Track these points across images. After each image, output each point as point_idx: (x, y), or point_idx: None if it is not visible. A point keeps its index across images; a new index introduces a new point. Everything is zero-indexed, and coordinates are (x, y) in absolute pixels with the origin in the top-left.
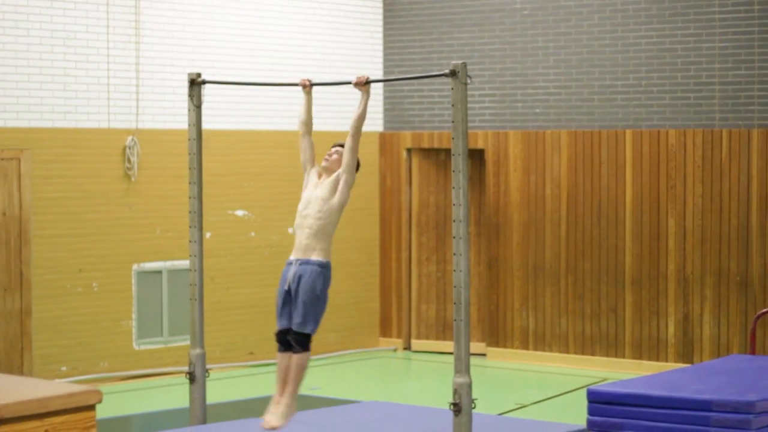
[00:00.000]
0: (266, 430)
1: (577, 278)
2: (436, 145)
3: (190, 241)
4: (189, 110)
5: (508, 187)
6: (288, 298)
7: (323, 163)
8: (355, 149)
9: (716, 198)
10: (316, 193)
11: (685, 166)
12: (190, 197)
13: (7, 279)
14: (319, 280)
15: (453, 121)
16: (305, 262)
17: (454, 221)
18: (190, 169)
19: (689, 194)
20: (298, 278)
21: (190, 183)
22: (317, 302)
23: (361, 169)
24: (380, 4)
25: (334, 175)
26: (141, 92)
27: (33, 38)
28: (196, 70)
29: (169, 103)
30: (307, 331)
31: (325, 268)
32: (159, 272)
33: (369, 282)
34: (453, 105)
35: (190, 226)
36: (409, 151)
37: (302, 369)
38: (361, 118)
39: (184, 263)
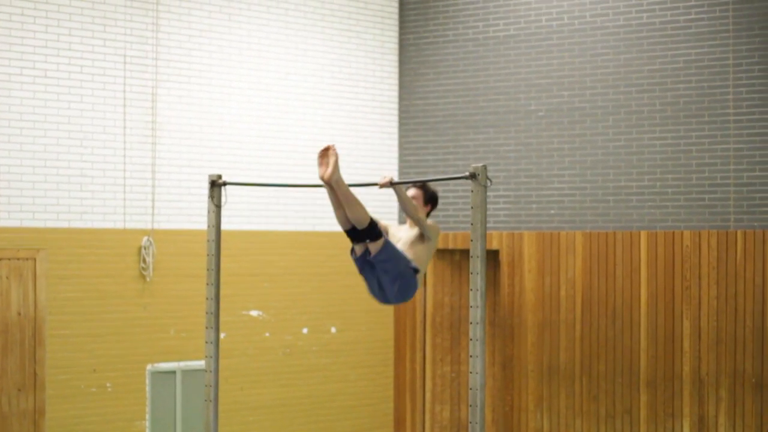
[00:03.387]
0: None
1: (591, 379)
2: (450, 246)
3: (206, 342)
4: (209, 211)
5: (523, 288)
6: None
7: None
8: (423, 221)
9: (731, 299)
10: (407, 235)
11: (699, 267)
12: (207, 298)
13: (21, 379)
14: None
15: (472, 224)
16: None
17: (471, 323)
18: (208, 270)
19: (704, 295)
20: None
21: (207, 284)
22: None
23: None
24: (396, 106)
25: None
26: (157, 192)
27: (50, 138)
28: (212, 171)
29: (185, 203)
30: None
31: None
32: (173, 372)
33: (383, 383)
34: (472, 207)
35: (206, 327)
36: None
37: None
38: (406, 209)
39: (199, 363)
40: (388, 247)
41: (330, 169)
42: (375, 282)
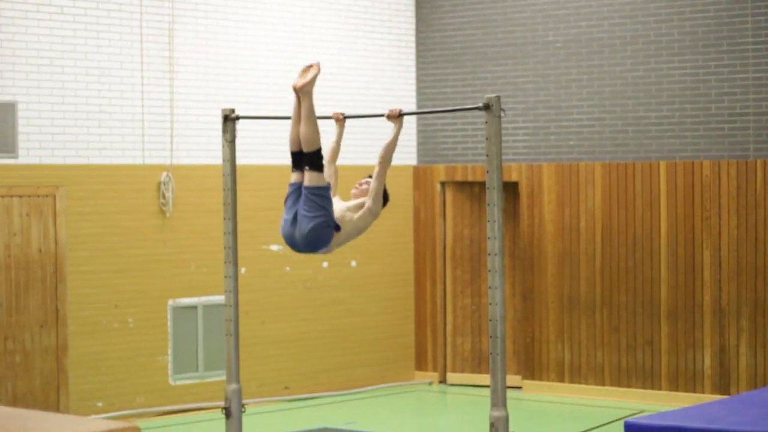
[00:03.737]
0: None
1: (612, 310)
2: (470, 178)
3: (225, 277)
4: (223, 146)
5: (543, 219)
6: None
7: (353, 191)
8: (382, 177)
9: (751, 229)
10: (339, 206)
11: (719, 197)
12: (225, 233)
13: (43, 315)
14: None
15: (487, 155)
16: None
17: (489, 254)
18: (224, 204)
19: (724, 225)
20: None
21: (224, 218)
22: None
23: (394, 202)
24: (413, 39)
25: (360, 200)
26: (175, 128)
27: (68, 75)
28: (230, 106)
29: (204, 138)
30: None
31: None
32: (194, 308)
33: (404, 316)
34: (487, 138)
35: (225, 262)
36: (443, 184)
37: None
38: (391, 146)
39: (219, 298)
40: (326, 189)
41: (305, 80)
42: (293, 214)
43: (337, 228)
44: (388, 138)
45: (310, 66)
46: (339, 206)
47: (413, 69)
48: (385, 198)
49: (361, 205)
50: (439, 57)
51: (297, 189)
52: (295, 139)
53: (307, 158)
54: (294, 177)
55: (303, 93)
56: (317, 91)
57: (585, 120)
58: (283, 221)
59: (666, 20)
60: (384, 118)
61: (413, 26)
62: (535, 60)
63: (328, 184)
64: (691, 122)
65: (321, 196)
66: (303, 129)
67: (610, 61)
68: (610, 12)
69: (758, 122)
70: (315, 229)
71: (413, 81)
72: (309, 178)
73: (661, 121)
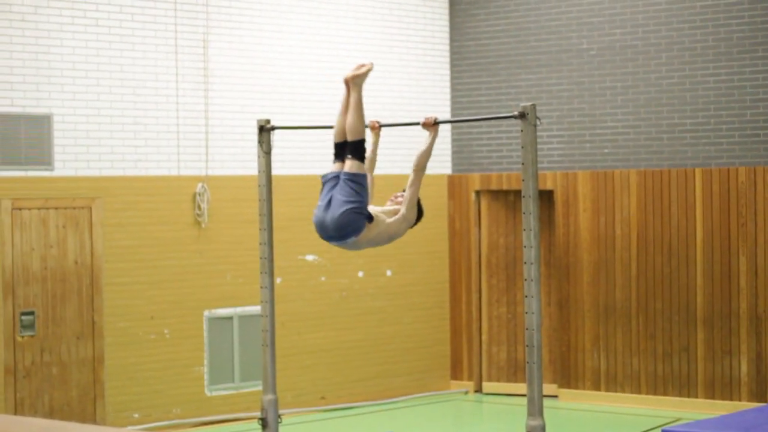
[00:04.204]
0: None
1: (648, 318)
2: (504, 187)
3: (261, 287)
4: (258, 156)
5: (578, 227)
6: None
7: (387, 204)
8: (416, 185)
9: None
10: (374, 209)
11: (755, 204)
12: (260, 243)
13: (79, 327)
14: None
15: (523, 163)
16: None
17: (525, 263)
18: (260, 215)
19: (760, 232)
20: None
21: (260, 229)
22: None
23: (429, 212)
24: (447, 47)
25: (395, 207)
26: (210, 139)
27: (103, 87)
28: (264, 116)
29: (239, 149)
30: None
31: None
32: (230, 318)
33: (439, 325)
34: (522, 147)
35: (261, 272)
36: (477, 193)
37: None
38: (425, 154)
39: (255, 309)
40: (364, 177)
41: (358, 72)
42: (327, 200)
43: (370, 218)
44: (422, 146)
45: (363, 65)
46: (373, 209)
47: (447, 78)
48: (420, 213)
49: (395, 212)
50: (474, 65)
51: (334, 177)
52: (341, 130)
53: (350, 146)
54: (334, 167)
55: (354, 84)
56: None
57: (620, 127)
58: (316, 208)
59: (701, 27)
60: (419, 127)
61: (447, 35)
62: (569, 68)
63: (366, 174)
64: (726, 129)
65: (358, 184)
66: (350, 118)
67: (645, 68)
68: (644, 19)
69: None
70: (347, 213)
71: (448, 89)
72: (349, 165)
73: (696, 128)
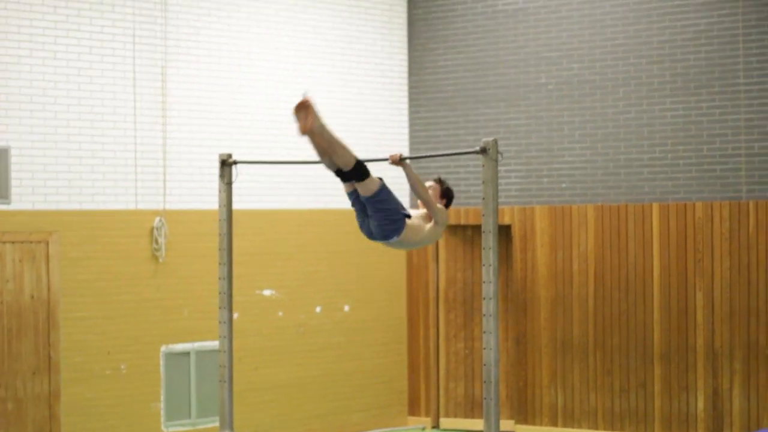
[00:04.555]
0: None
1: (605, 353)
2: (462, 222)
3: (219, 322)
4: (220, 191)
5: (536, 262)
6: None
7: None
8: (426, 196)
9: (744, 270)
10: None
11: (712, 239)
12: (219, 278)
13: (35, 362)
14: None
15: (483, 198)
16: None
17: (484, 299)
18: (220, 249)
19: (717, 267)
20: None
21: (219, 264)
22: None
23: (384, 249)
24: (406, 81)
25: (424, 211)
26: (168, 173)
27: (60, 120)
28: (223, 150)
29: (197, 183)
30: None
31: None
32: (187, 354)
33: (397, 360)
34: (483, 182)
35: (219, 307)
36: None
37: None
38: (414, 184)
39: (213, 344)
40: (382, 188)
41: (309, 120)
42: (362, 217)
43: (407, 216)
44: (411, 182)
45: (301, 104)
46: (412, 214)
47: (406, 112)
48: (449, 198)
49: (427, 217)
50: (432, 100)
51: (352, 194)
52: (330, 165)
53: (350, 175)
54: (346, 187)
55: (313, 130)
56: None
57: (577, 162)
58: (358, 220)
59: (658, 62)
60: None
61: (406, 69)
62: (527, 102)
63: (381, 179)
64: (683, 164)
65: (380, 200)
66: (337, 160)
67: (602, 103)
68: (602, 54)
69: (750, 163)
70: (386, 224)
71: (406, 124)
72: (362, 189)
73: (653, 163)
